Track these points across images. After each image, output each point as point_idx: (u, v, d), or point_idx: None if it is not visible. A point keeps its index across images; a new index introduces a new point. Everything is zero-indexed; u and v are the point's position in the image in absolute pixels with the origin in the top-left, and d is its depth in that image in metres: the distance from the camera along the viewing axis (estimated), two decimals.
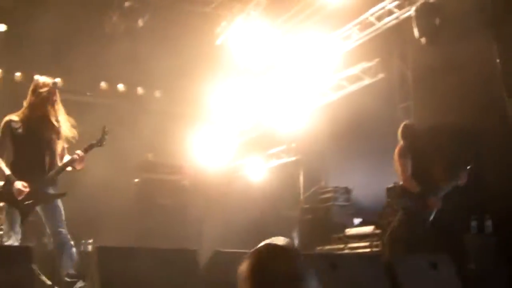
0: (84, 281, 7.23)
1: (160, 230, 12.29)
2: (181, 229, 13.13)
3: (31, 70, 13.49)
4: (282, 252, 2.92)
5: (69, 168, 7.49)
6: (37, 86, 7.48)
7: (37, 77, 7.61)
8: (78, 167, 7.45)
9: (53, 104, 7.47)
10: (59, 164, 7.49)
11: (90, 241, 11.96)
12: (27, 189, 7.23)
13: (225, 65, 14.11)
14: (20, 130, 7.42)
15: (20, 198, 7.21)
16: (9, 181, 7.30)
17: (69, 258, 7.31)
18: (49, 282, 7.09)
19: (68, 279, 7.24)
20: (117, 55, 13.00)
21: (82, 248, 11.90)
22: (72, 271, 7.28)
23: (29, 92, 7.54)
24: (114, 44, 13.04)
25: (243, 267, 2.91)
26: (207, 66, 14.40)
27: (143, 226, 12.60)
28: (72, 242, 7.42)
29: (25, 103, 7.57)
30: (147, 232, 12.37)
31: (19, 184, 7.21)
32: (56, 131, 7.44)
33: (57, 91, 7.48)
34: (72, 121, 7.68)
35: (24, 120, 7.45)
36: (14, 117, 7.50)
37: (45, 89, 7.44)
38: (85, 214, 11.26)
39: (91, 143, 7.39)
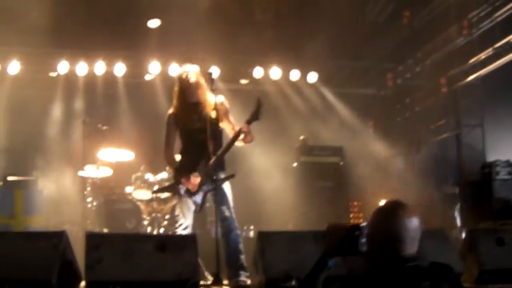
0: (246, 271, 7.25)
1: (320, 212, 12.26)
2: (341, 211, 13.04)
3: (186, 63, 13.84)
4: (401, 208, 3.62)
5: (240, 144, 7.50)
6: (187, 76, 7.59)
7: (184, 67, 7.74)
8: (247, 140, 7.43)
9: (204, 90, 7.55)
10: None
11: (252, 227, 12.10)
12: (198, 181, 7.34)
13: None
14: (179, 122, 7.58)
15: (194, 190, 7.37)
16: (179, 175, 7.49)
17: (234, 246, 7.32)
18: (209, 277, 7.18)
19: (229, 268, 7.28)
20: (269, 40, 13.10)
21: (244, 234, 12.08)
22: (234, 261, 7.31)
23: (180, 83, 7.66)
24: (266, 31, 13.12)
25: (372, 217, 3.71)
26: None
27: (303, 210, 12.60)
28: (238, 231, 7.44)
29: (178, 94, 7.72)
30: (308, 215, 12.37)
31: (191, 178, 7.35)
32: (211, 114, 7.47)
33: (197, 74, 7.57)
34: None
35: (180, 111, 7.60)
36: (174, 109, 7.68)
37: (190, 73, 7.55)
38: (245, 200, 11.40)
39: (248, 119, 7.34)
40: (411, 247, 3.55)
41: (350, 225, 3.87)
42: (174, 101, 7.70)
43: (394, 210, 3.61)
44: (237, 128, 7.41)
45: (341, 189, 13.22)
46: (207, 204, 7.68)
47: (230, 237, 7.29)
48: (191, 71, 7.56)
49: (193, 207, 7.44)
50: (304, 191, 12.81)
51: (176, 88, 7.68)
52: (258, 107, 7.25)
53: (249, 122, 7.24)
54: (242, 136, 7.28)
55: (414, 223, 3.56)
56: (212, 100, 7.52)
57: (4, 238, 6.34)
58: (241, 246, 7.35)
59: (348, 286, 3.61)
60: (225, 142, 7.55)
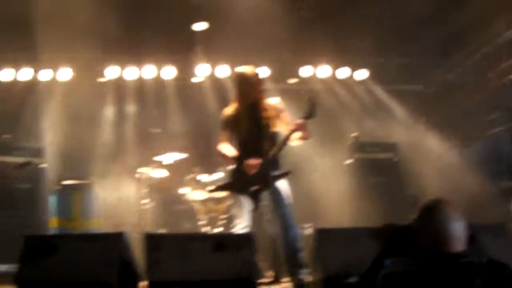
0: (306, 268, 7.26)
1: (375, 208, 12.17)
2: (396, 207, 12.94)
3: (235, 65, 13.88)
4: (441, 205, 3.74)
5: (296, 143, 7.52)
6: (243, 77, 7.64)
7: (240, 68, 7.77)
8: (304, 137, 7.44)
9: (260, 91, 7.57)
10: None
11: (308, 225, 12.10)
12: (257, 162, 7.36)
13: None
14: (235, 122, 7.62)
15: (251, 173, 7.36)
16: (236, 170, 7.53)
17: (292, 243, 7.33)
18: (268, 275, 7.20)
19: (290, 268, 7.30)
20: (316, 38, 13.08)
21: (301, 232, 12.08)
22: (294, 259, 7.32)
23: (236, 84, 7.72)
24: (313, 29, 13.08)
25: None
26: None
27: (358, 206, 12.52)
28: (297, 229, 7.45)
29: (234, 95, 7.77)
30: (362, 211, 12.30)
31: (249, 161, 7.39)
32: (269, 116, 7.50)
33: (262, 80, 7.58)
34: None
35: (237, 111, 7.64)
36: (229, 110, 7.73)
37: (251, 78, 7.59)
38: (301, 198, 11.40)
39: (303, 115, 7.35)
40: (458, 244, 3.61)
41: (404, 224, 3.90)
42: (234, 101, 7.75)
43: (437, 208, 3.71)
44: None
45: (395, 185, 13.06)
46: (264, 203, 7.70)
47: (289, 235, 7.31)
48: (252, 72, 7.61)
49: (249, 206, 7.47)
50: (358, 187, 12.75)
51: (238, 88, 7.72)
52: (311, 105, 7.27)
53: (305, 118, 7.26)
54: (298, 134, 7.30)
55: (457, 219, 3.66)
56: (267, 101, 7.58)
57: (63, 240, 6.45)
58: (300, 243, 7.36)
59: (402, 284, 3.63)
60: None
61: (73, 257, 6.10)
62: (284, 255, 7.28)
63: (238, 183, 7.51)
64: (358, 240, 6.37)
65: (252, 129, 7.52)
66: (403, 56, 15.30)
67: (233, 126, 7.69)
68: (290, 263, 7.28)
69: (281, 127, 7.62)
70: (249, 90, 7.56)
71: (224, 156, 7.81)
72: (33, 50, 13.16)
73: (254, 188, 7.41)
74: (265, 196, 7.52)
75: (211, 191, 9.92)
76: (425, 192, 13.26)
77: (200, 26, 13.39)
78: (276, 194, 7.38)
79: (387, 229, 3.99)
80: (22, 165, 10.47)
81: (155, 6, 12.45)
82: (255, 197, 7.43)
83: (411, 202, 12.62)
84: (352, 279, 5.93)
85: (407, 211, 12.99)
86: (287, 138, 7.39)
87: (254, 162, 7.37)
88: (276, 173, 7.45)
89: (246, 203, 7.47)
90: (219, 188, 9.34)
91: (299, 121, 7.30)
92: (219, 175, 11.14)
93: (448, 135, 15.26)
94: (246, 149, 7.59)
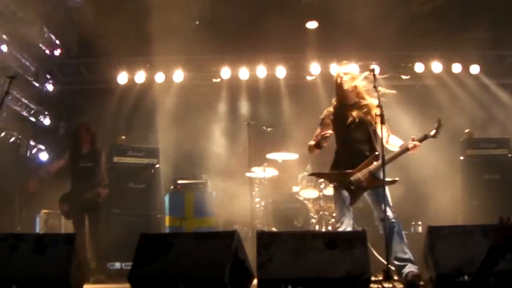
0: (413, 263, 7.21)
1: (489, 206, 11.86)
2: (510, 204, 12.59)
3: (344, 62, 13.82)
4: None
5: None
6: (338, 76, 7.69)
7: (337, 67, 7.82)
8: (412, 152, 7.43)
9: (351, 92, 7.59)
10: (377, 145, 7.55)
11: (420, 222, 11.96)
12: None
13: None
14: (335, 121, 7.66)
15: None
16: (336, 165, 7.58)
17: (398, 242, 7.31)
18: (384, 261, 7.16)
19: (397, 263, 7.27)
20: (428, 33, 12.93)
21: (412, 230, 11.93)
22: (401, 255, 7.29)
23: (336, 83, 7.77)
24: (425, 24, 12.93)
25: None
26: None
27: (471, 204, 12.25)
28: (399, 226, 7.41)
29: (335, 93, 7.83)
30: (476, 209, 12.04)
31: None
32: (365, 115, 7.49)
33: (352, 78, 7.58)
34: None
35: (337, 110, 7.68)
36: (330, 108, 7.76)
37: (345, 77, 7.61)
38: (412, 196, 11.27)
39: (425, 134, 7.43)
40: None
41: None
42: (334, 99, 7.80)
43: None
44: (394, 136, 7.59)
45: (510, 182, 12.72)
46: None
47: (395, 232, 7.29)
48: (347, 76, 7.63)
49: (347, 201, 7.49)
50: (471, 184, 12.47)
51: (335, 87, 7.76)
52: (439, 127, 7.32)
53: (421, 140, 7.30)
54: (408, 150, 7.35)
55: None
56: (369, 100, 7.57)
57: (178, 239, 6.59)
58: (404, 241, 7.34)
59: None
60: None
61: (186, 255, 6.24)
62: (392, 252, 7.25)
63: (341, 175, 7.53)
64: (470, 238, 6.27)
65: (351, 128, 7.57)
66: None
67: (333, 123, 7.72)
68: (398, 259, 7.26)
69: (379, 130, 7.56)
70: (347, 93, 7.64)
71: (309, 147, 7.95)
72: (149, 53, 13.53)
73: (356, 185, 7.43)
74: (367, 197, 7.57)
75: (311, 174, 9.86)
76: None
77: (311, 25, 13.45)
78: (377, 197, 7.38)
79: (504, 226, 3.84)
80: (146, 167, 10.79)
81: (267, 6, 12.55)
82: (354, 193, 7.45)
83: None
84: (465, 278, 5.85)
85: None
86: (401, 152, 7.40)
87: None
88: (380, 175, 7.39)
89: (345, 198, 7.50)
90: (320, 175, 9.24)
91: (417, 143, 7.33)
92: None
93: None
94: (345, 147, 7.64)
